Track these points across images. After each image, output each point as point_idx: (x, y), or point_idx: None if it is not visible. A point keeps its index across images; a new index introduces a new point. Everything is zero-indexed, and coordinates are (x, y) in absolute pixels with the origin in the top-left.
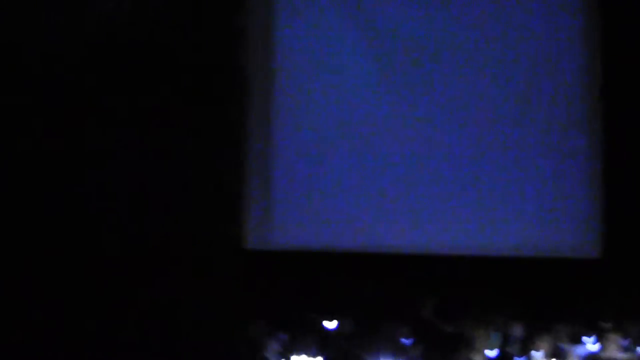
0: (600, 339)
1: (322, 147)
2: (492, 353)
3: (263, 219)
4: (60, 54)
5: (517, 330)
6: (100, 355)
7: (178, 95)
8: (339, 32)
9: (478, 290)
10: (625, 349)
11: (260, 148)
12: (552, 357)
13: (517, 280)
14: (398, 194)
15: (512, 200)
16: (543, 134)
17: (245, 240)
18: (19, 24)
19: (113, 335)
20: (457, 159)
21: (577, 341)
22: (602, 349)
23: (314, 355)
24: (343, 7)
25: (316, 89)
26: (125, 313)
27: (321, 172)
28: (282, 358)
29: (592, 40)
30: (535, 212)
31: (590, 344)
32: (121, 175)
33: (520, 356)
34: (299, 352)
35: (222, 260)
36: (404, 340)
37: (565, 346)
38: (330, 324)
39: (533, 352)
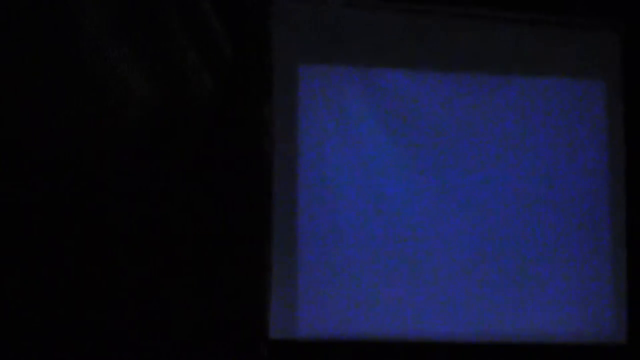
0: None
1: (347, 235)
2: None
3: (287, 308)
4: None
5: None
6: None
7: (200, 184)
8: (363, 120)
9: None
10: None
11: (285, 236)
12: None
13: None
14: (423, 281)
15: (534, 284)
16: (566, 217)
17: (269, 330)
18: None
19: None
20: (480, 243)
21: None
22: None
23: None
24: (367, 98)
25: (340, 175)
26: None
27: (346, 261)
28: None
29: (616, 126)
30: (558, 296)
31: None
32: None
33: None
34: None
35: (246, 351)
36: None
37: None
38: None
39: None
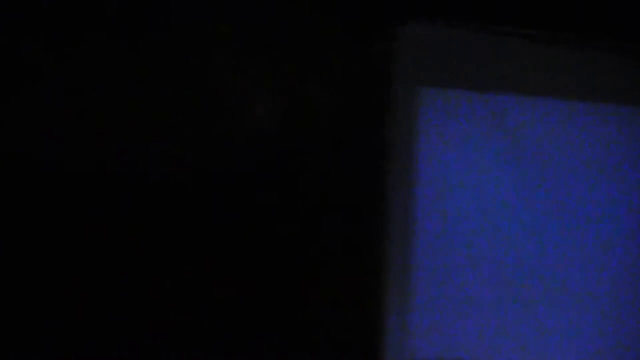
0: None
1: (462, 259)
2: None
3: (402, 331)
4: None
5: None
6: None
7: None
8: (481, 144)
9: None
10: None
11: (400, 261)
12: None
13: None
14: (536, 308)
15: None
16: None
17: (385, 353)
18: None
19: None
20: (600, 272)
21: None
22: None
23: None
24: (485, 122)
25: (458, 201)
26: None
27: (460, 282)
28: None
29: None
30: None
31: None
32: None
33: None
34: None
35: None
36: None
37: None
38: None
39: None
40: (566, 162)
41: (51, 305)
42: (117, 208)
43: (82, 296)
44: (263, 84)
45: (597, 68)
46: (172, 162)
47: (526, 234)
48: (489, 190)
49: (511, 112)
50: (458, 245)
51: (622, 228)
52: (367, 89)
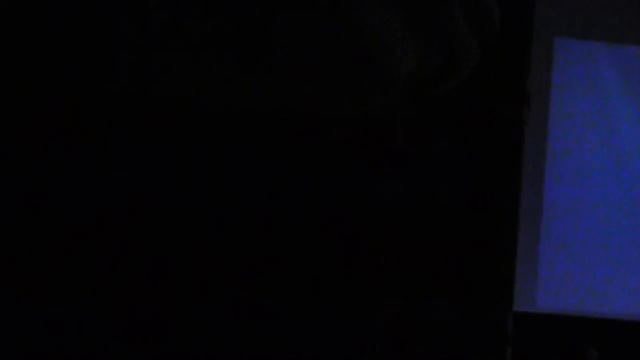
0: None
1: (592, 210)
2: None
3: (530, 281)
4: None
5: None
6: None
7: (458, 150)
8: (614, 95)
9: None
10: None
11: (530, 208)
12: None
13: None
14: None
15: None
16: None
17: (513, 302)
18: None
19: None
20: None
21: None
22: None
23: None
24: (620, 74)
25: (589, 150)
26: None
27: (589, 236)
28: None
29: None
30: None
31: None
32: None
33: None
34: None
35: (491, 323)
36: None
37: None
38: None
39: None
40: None
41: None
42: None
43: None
44: (409, 33)
45: None
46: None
47: None
48: (623, 141)
49: None
50: (590, 195)
51: None
52: (508, 38)
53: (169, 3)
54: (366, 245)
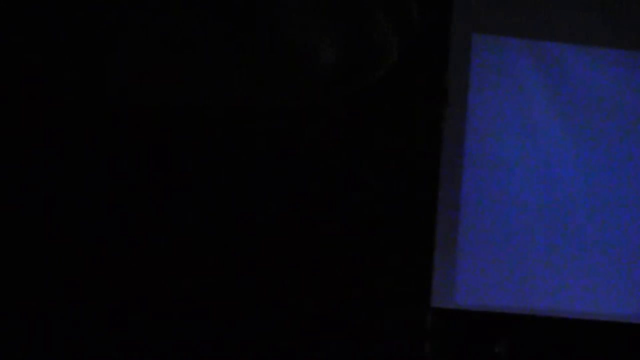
0: None
1: (511, 205)
2: None
3: (448, 277)
4: None
5: None
6: None
7: (374, 146)
8: (532, 91)
9: None
10: None
11: (448, 204)
12: None
13: None
14: (584, 256)
15: None
16: None
17: (431, 299)
18: None
19: None
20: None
21: None
22: None
23: None
24: (537, 70)
25: (507, 146)
26: None
27: (508, 231)
28: None
29: None
30: None
31: None
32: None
33: None
34: None
35: (409, 319)
36: None
37: None
38: None
39: None
40: (628, 112)
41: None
42: None
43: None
44: (329, 29)
45: None
46: None
47: (581, 182)
48: (541, 137)
49: (568, 61)
50: (508, 192)
51: None
52: (426, 34)
53: None
54: (280, 239)
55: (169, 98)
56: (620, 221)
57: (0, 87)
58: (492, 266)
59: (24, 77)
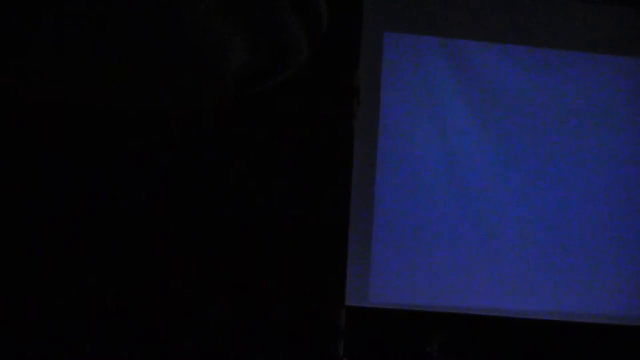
0: None
1: (423, 204)
2: None
3: (362, 275)
4: None
5: None
6: None
7: (287, 146)
8: (443, 88)
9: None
10: None
11: (361, 204)
12: None
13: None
14: (497, 253)
15: (620, 264)
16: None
17: (345, 297)
18: None
19: None
20: (559, 219)
21: None
22: None
23: None
24: (448, 68)
25: (419, 143)
26: None
27: (420, 231)
28: None
29: None
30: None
31: None
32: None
33: None
34: None
35: (323, 317)
36: None
37: None
38: None
39: None
40: (535, 108)
41: None
42: None
43: None
44: (239, 31)
45: (574, 14)
46: None
47: (493, 178)
48: (453, 134)
49: (479, 59)
50: (421, 190)
51: (589, 171)
52: (336, 34)
53: None
54: (194, 242)
55: (82, 98)
56: (531, 216)
57: None
58: (405, 265)
59: None
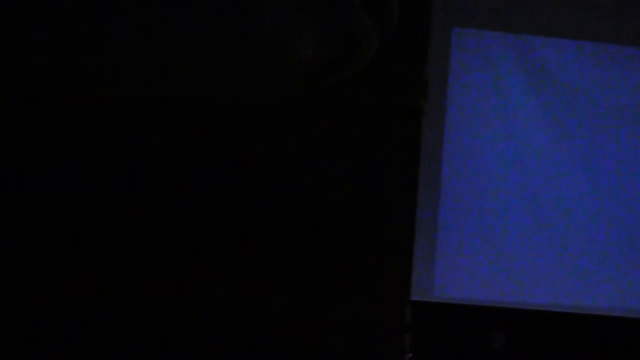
0: None
1: (490, 199)
2: None
3: (427, 271)
4: None
5: None
6: None
7: (353, 140)
8: (511, 84)
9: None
10: None
11: (427, 198)
12: None
13: None
14: (563, 251)
15: None
16: None
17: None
18: None
19: None
20: (628, 218)
21: None
22: None
23: None
24: (517, 64)
25: (487, 140)
26: None
27: (487, 225)
28: None
29: None
30: None
31: None
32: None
33: None
34: None
35: (388, 312)
36: None
37: None
38: None
39: None
40: (607, 107)
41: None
42: None
43: None
44: (308, 25)
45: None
46: None
47: (561, 177)
48: (521, 131)
49: (549, 55)
50: (487, 186)
51: None
52: (406, 29)
53: None
54: (257, 238)
55: (147, 90)
56: (600, 215)
57: None
58: (471, 260)
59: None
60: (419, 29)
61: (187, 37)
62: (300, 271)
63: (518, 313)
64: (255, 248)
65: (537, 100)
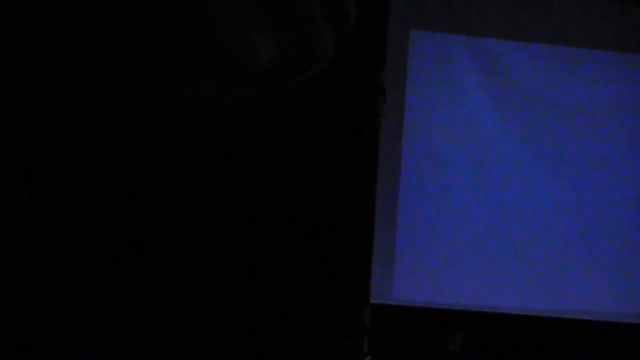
0: None
1: (448, 201)
2: None
3: (386, 274)
4: None
5: None
6: None
7: (311, 143)
8: (468, 86)
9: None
10: None
11: (386, 202)
12: None
13: None
14: (520, 253)
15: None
16: None
17: (369, 295)
18: None
19: None
20: (585, 218)
21: None
22: None
23: None
24: (474, 66)
25: (444, 142)
26: None
27: (445, 228)
28: None
29: None
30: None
31: None
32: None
33: None
34: None
35: (348, 314)
36: None
37: None
38: None
39: None
40: (562, 108)
41: None
42: None
43: None
44: (267, 29)
45: (599, 13)
46: None
47: (518, 177)
48: (478, 132)
49: (505, 57)
50: (445, 188)
51: (618, 174)
52: (364, 32)
53: None
54: (218, 240)
55: (109, 93)
56: (554, 217)
57: None
58: (429, 263)
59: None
60: (376, 32)
61: (149, 41)
62: (261, 275)
63: (475, 315)
64: (218, 255)
65: (494, 101)
